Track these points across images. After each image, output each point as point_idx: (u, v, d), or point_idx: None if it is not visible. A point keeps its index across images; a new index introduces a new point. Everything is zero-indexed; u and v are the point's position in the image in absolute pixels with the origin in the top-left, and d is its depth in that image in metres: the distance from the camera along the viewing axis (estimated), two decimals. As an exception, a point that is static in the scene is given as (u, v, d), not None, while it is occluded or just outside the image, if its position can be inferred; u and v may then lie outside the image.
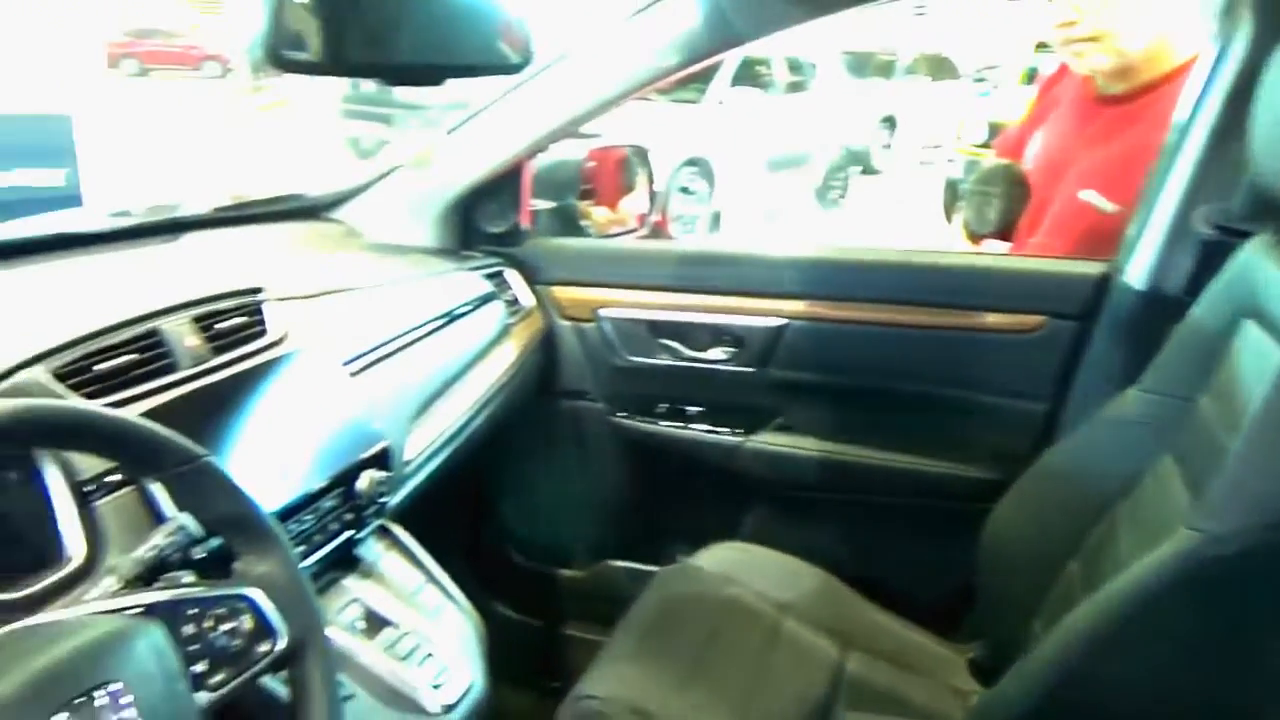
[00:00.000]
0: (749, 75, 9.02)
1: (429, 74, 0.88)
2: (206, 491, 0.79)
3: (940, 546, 1.61)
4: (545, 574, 2.02)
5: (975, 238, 1.87)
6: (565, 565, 2.02)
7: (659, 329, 1.79)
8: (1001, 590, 1.39)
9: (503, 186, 1.81)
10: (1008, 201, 1.80)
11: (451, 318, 1.59)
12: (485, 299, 1.71)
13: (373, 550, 1.24)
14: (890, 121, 12.42)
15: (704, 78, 8.31)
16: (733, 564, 1.57)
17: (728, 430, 1.82)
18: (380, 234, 1.78)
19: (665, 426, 1.84)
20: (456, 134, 1.75)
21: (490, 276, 1.77)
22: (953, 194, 7.66)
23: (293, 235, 1.72)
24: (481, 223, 1.84)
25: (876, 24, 14.40)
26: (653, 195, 2.08)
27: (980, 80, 13.91)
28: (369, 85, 10.18)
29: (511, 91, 1.66)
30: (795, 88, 9.91)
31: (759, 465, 1.78)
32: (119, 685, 0.66)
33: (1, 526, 0.90)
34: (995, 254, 1.83)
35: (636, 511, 1.94)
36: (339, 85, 10.80)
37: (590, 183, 1.99)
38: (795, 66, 9.91)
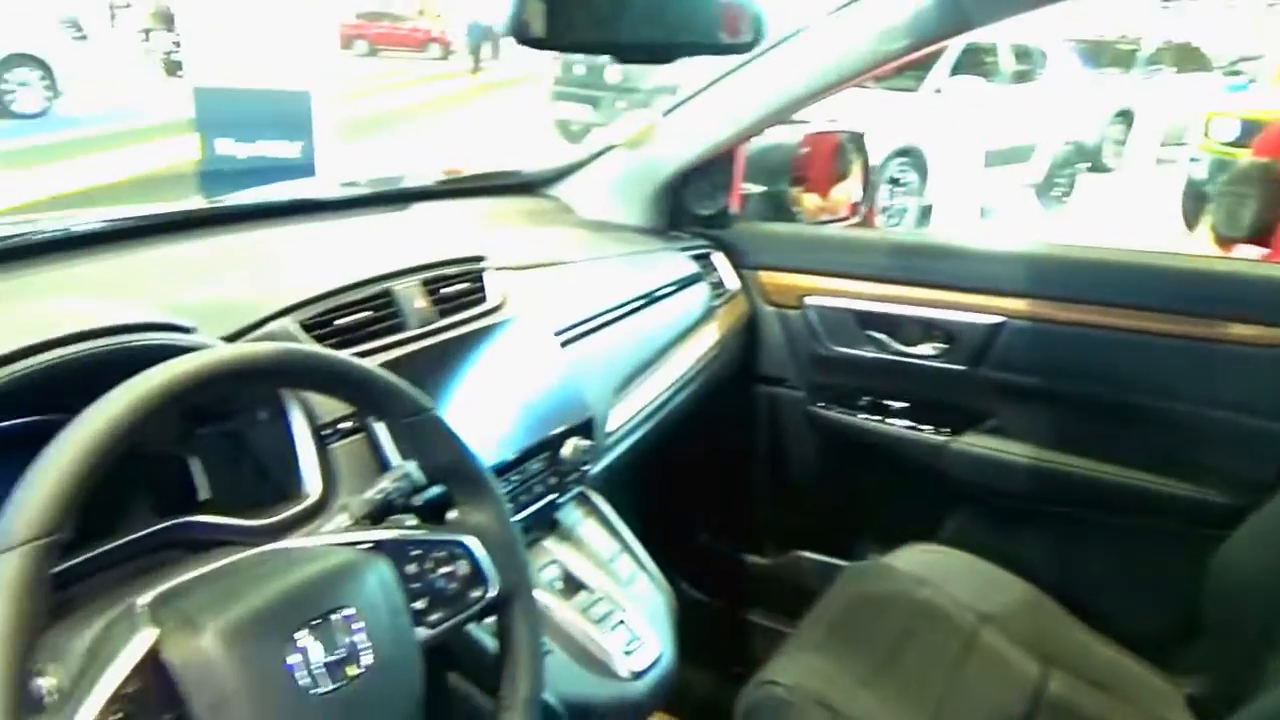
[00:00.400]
0: (972, 62, 8.59)
1: (659, 52, 0.90)
2: (432, 442, 0.84)
3: (1160, 570, 1.49)
4: (731, 558, 2.02)
5: (1225, 242, 1.71)
6: (751, 551, 2.02)
7: (866, 320, 1.75)
8: (1231, 624, 1.28)
9: (715, 169, 1.82)
10: (1264, 203, 1.63)
11: (658, 296, 1.62)
12: (691, 280, 1.72)
13: (572, 515, 1.29)
14: (1126, 116, 11.52)
15: (923, 64, 8.00)
16: (929, 566, 1.52)
17: (932, 429, 1.75)
18: (592, 211, 1.83)
19: (865, 420, 1.80)
20: (673, 115, 1.77)
21: (697, 258, 1.78)
22: (1196, 196, 7.04)
23: (511, 209, 1.80)
24: (691, 204, 1.85)
25: (1117, 10, 13.41)
26: (867, 184, 2.02)
27: (1234, 73, 12.67)
28: (580, 68, 10.47)
29: (731, 74, 1.66)
30: (1021, 77, 9.36)
31: (964, 468, 1.71)
32: (351, 611, 0.71)
33: (251, 460, 0.99)
34: (1247, 259, 1.67)
35: (828, 504, 1.91)
36: (552, 68, 11.16)
37: (803, 169, 1.97)
38: (1023, 54, 9.37)
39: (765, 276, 1.85)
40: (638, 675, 1.15)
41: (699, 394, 1.65)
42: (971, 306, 1.65)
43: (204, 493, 0.97)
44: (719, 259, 1.84)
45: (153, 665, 0.64)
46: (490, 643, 1.03)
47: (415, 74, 18.76)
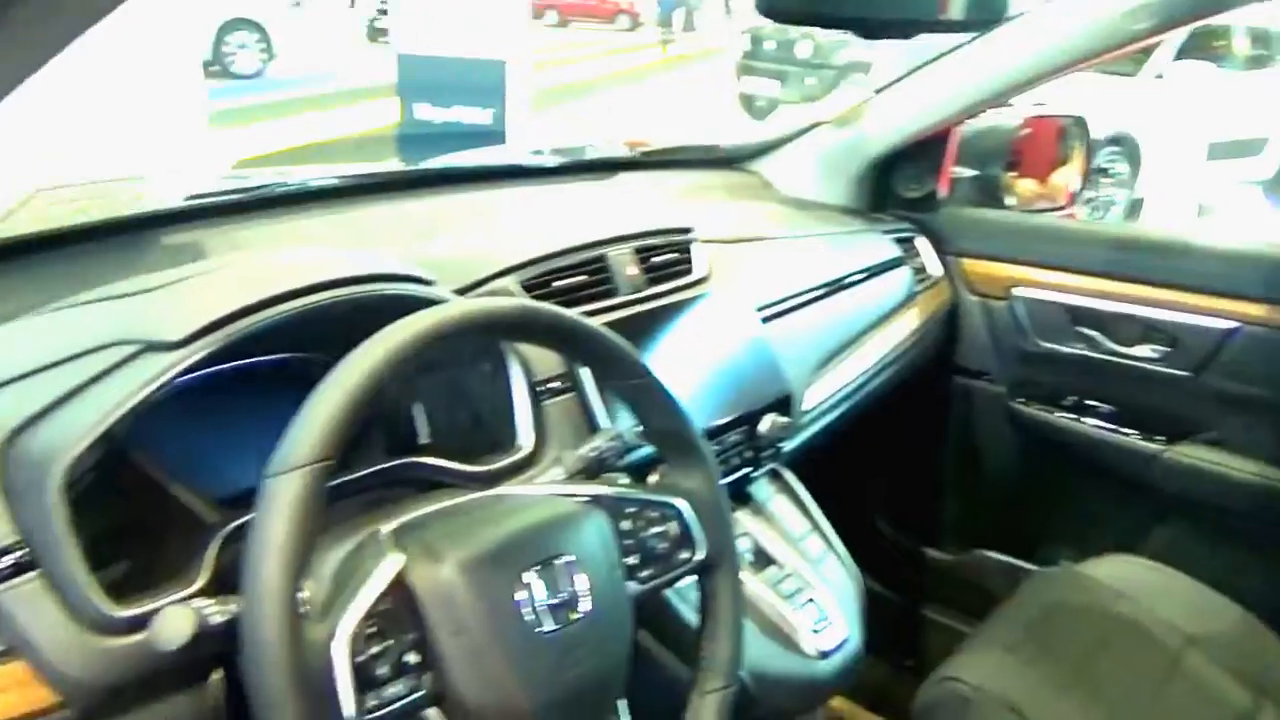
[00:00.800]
0: (1200, 46, 7.91)
1: (905, 28, 0.88)
2: (651, 406, 0.87)
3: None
4: (912, 550, 1.98)
5: None
6: (931, 545, 1.97)
7: (1079, 316, 1.66)
8: None
9: (926, 150, 1.76)
10: None
11: (858, 278, 1.59)
12: (893, 264, 1.68)
13: (765, 490, 1.29)
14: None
15: (1146, 48, 7.45)
16: (1131, 580, 1.44)
17: (1140, 435, 1.65)
18: (793, 188, 1.81)
19: (1070, 421, 1.71)
20: (886, 93, 1.73)
21: (900, 241, 1.74)
22: None
23: (712, 182, 1.81)
24: (897, 186, 1.81)
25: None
26: (1087, 172, 1.92)
27: None
28: (770, 44, 10.32)
29: (952, 52, 1.60)
30: (1257, 62, 8.55)
31: (1178, 479, 1.61)
32: (573, 558, 0.75)
33: (467, 409, 1.05)
34: None
35: (1020, 504, 1.84)
36: (740, 42, 11.05)
37: (1020, 153, 1.88)
38: (1260, 38, 8.55)
39: (970, 264, 1.78)
40: (824, 655, 1.15)
41: (894, 381, 1.62)
42: (1201, 309, 1.54)
43: (424, 437, 1.04)
44: (923, 244, 1.79)
45: (400, 588, 0.70)
46: (685, 609, 1.06)
47: (604, 45, 19.03)
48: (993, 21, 1.04)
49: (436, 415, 1.04)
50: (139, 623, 0.73)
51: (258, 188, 1.29)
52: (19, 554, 0.72)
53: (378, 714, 0.66)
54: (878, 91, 1.74)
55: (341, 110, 9.86)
